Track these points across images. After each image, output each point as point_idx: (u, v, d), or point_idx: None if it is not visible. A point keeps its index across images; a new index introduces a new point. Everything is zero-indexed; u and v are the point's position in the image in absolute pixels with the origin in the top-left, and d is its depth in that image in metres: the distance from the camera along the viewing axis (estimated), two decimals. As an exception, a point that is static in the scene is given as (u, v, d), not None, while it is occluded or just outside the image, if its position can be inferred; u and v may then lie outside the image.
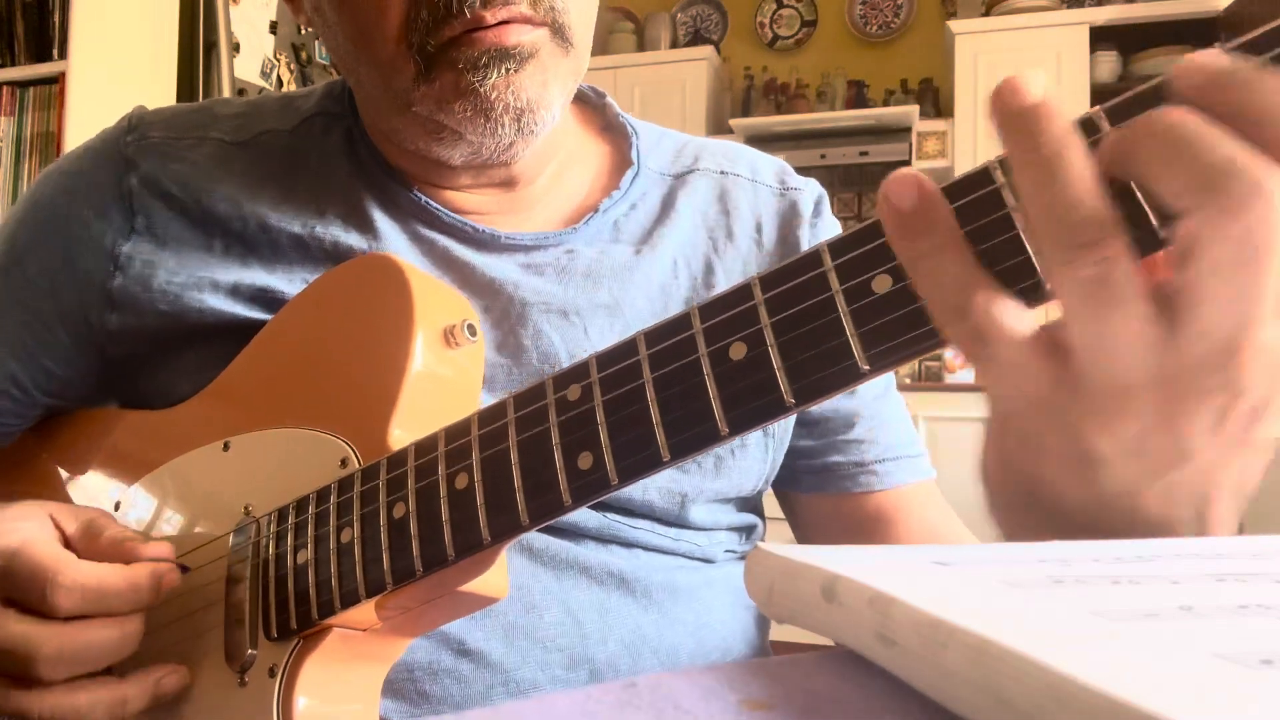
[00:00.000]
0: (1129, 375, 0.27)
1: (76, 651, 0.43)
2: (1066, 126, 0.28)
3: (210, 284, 0.55)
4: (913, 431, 0.68)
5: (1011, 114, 0.29)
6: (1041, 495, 0.31)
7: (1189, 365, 0.27)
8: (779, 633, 0.58)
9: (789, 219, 0.65)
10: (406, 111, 0.53)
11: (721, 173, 0.67)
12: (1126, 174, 0.28)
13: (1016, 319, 0.29)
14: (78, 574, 0.44)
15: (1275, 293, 0.26)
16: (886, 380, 0.67)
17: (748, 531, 0.64)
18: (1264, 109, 0.26)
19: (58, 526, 0.48)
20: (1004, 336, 0.29)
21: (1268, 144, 0.26)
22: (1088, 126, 0.29)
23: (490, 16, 0.49)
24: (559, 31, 0.52)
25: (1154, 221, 0.28)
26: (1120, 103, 0.29)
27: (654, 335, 0.36)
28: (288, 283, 0.55)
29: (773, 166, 0.70)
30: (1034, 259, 0.29)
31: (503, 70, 0.50)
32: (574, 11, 0.52)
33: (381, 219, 0.58)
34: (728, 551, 0.61)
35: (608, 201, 0.62)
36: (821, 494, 0.66)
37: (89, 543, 0.47)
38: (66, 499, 0.59)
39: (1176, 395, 0.27)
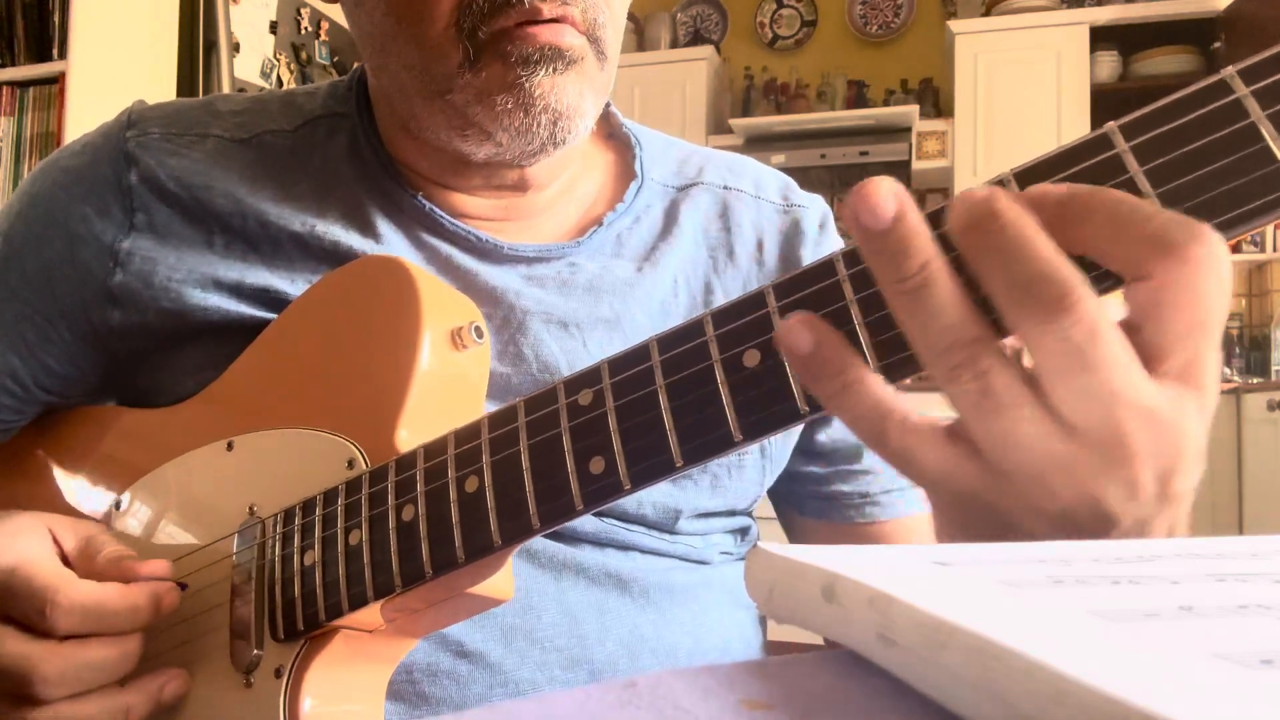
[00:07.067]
0: (1035, 463, 0.28)
1: (76, 671, 0.43)
2: (927, 251, 0.28)
3: (213, 281, 0.55)
4: None
5: (871, 236, 0.29)
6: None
7: (1085, 449, 0.28)
8: (779, 633, 0.58)
9: (792, 237, 0.65)
10: (439, 99, 0.53)
11: (725, 187, 0.66)
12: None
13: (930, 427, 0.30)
14: (76, 593, 0.44)
15: (1125, 380, 0.27)
16: None
17: (742, 533, 0.64)
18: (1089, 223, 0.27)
19: (56, 542, 0.48)
20: (923, 440, 0.30)
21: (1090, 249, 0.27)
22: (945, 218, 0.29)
23: (547, 10, 0.49)
24: (596, 44, 0.53)
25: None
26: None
27: (667, 341, 0.36)
28: (289, 282, 0.55)
29: (777, 182, 0.69)
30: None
31: (550, 69, 0.50)
32: (610, 29, 0.54)
33: (383, 223, 0.57)
34: (723, 553, 0.62)
35: (611, 215, 0.61)
36: (824, 520, 0.67)
37: (87, 560, 0.47)
38: (65, 497, 0.59)
39: (1085, 475, 0.28)
